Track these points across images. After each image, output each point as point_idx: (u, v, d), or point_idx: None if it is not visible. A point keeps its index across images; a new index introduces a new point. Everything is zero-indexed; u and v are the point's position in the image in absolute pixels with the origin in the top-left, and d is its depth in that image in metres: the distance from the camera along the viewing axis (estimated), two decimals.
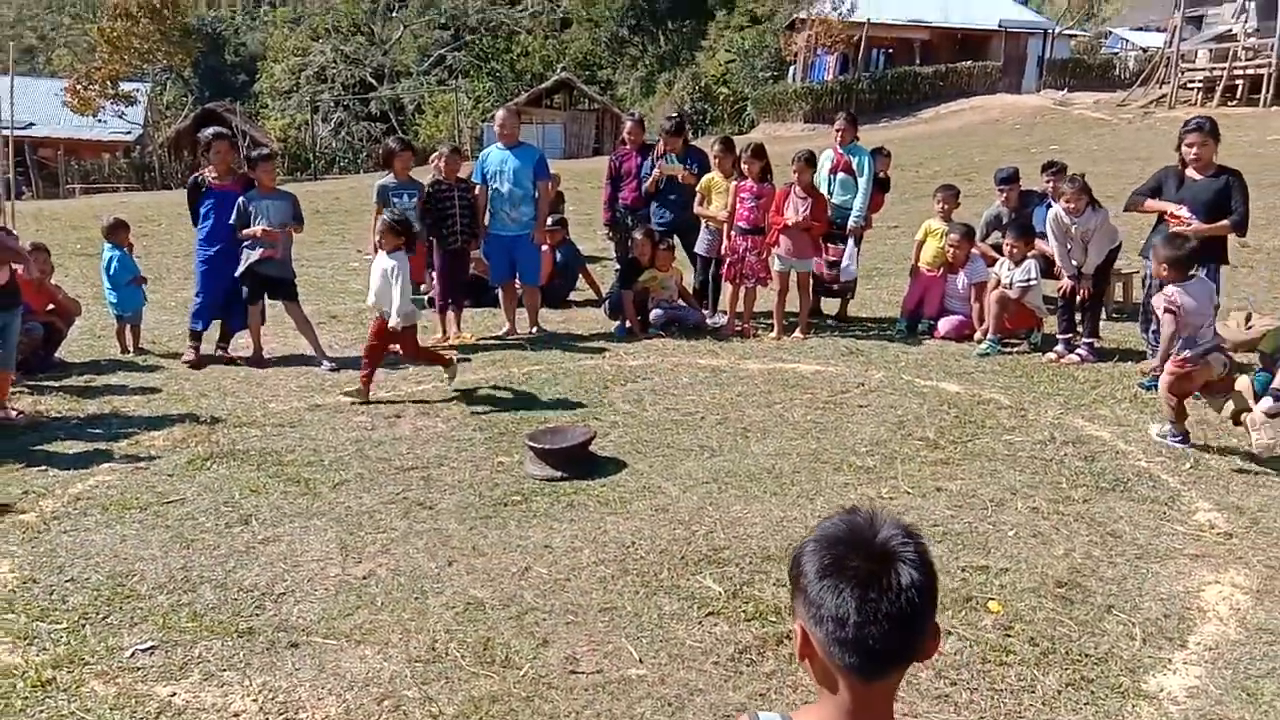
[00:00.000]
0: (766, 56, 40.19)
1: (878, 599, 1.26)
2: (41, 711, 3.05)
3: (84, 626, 3.55)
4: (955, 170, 18.69)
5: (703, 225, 8.25)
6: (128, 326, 7.72)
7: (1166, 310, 5.20)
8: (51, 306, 7.25)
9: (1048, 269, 7.86)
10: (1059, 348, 7.18)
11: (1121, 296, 8.70)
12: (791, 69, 38.29)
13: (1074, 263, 6.99)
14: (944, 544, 4.22)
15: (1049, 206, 7.67)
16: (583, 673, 3.28)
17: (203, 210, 7.16)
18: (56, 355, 7.24)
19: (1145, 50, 37.01)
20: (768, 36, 41.01)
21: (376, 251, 7.38)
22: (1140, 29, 42.21)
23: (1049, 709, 3.09)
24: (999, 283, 7.49)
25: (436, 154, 8.99)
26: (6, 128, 16.02)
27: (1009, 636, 3.49)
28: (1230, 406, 5.37)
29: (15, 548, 4.19)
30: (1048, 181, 8.54)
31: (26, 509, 4.61)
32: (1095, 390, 6.41)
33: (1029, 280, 7.32)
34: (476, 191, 7.84)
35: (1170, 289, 5.22)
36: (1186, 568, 3.99)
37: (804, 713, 1.39)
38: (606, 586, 3.85)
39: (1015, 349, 7.48)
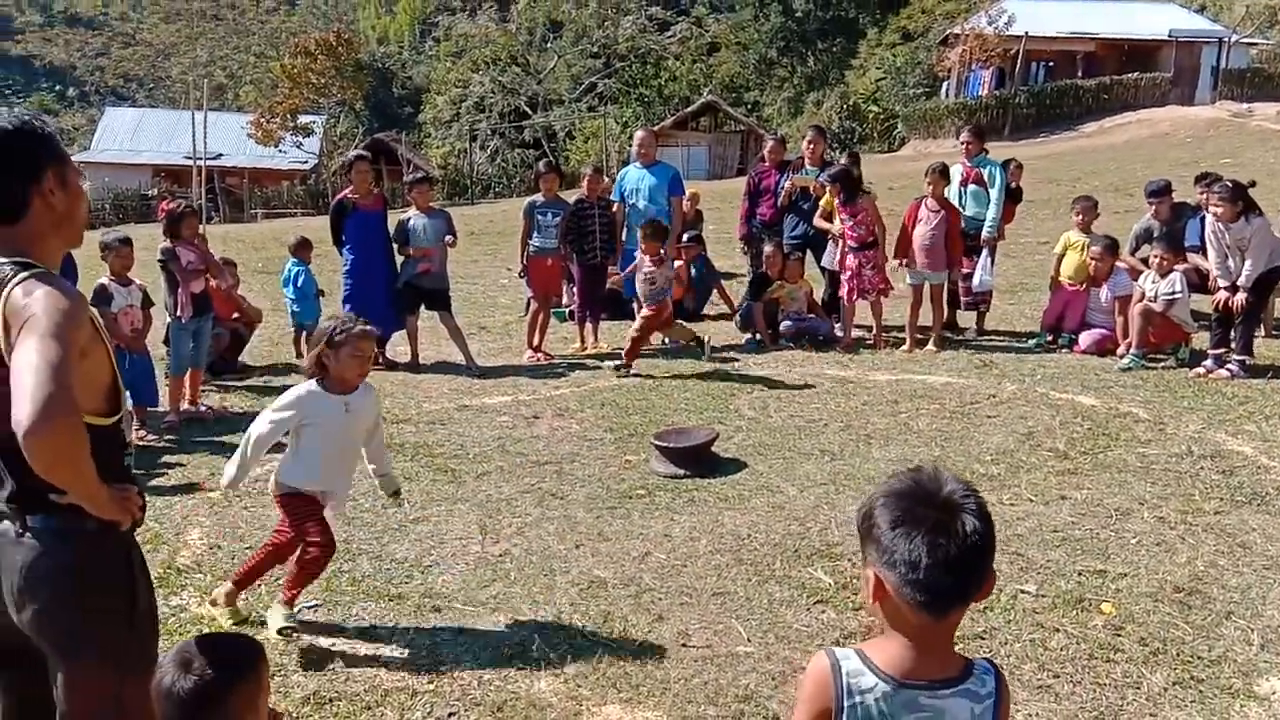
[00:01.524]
0: (919, 73, 39.52)
1: (946, 544, 1.45)
2: None
3: (260, 586, 4.04)
4: (1115, 185, 17.95)
5: (829, 239, 8.38)
6: (303, 334, 8.48)
7: None
8: (237, 315, 8.06)
9: (1201, 284, 7.60)
10: (1208, 363, 6.93)
11: None
12: (945, 85, 37.53)
13: (1230, 273, 6.76)
14: (1062, 549, 4.24)
15: (1203, 219, 7.43)
16: (693, 646, 3.52)
17: (346, 228, 7.73)
18: (240, 358, 8.03)
19: None
20: (920, 53, 40.35)
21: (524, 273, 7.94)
22: None
23: (1153, 705, 3.12)
24: (1143, 296, 7.29)
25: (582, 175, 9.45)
26: (200, 158, 17.67)
27: (1119, 636, 3.51)
28: None
29: (204, 519, 4.78)
30: (1201, 194, 8.23)
31: (214, 488, 5.21)
32: (1243, 406, 6.18)
33: (1174, 293, 7.10)
34: (615, 207, 8.23)
35: None
36: None
37: (876, 648, 1.58)
38: (720, 573, 4.08)
39: (1160, 364, 7.25)
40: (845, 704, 1.54)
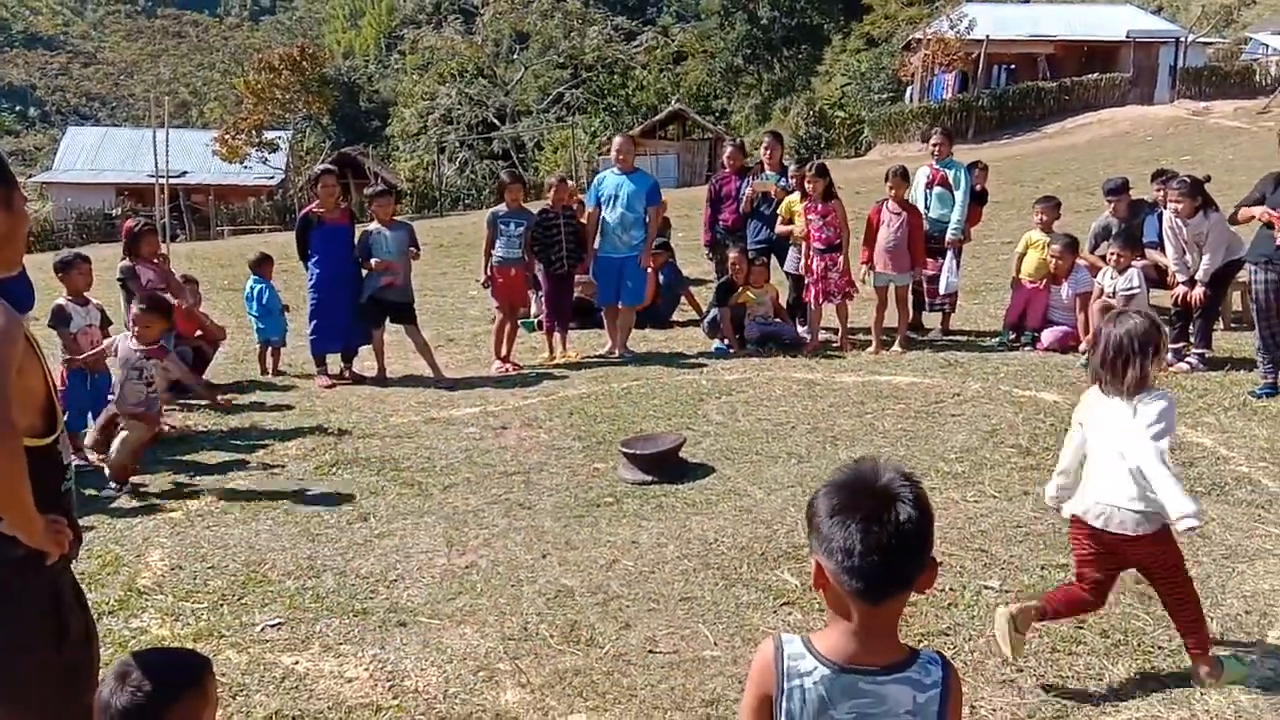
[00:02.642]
0: (883, 78, 39.92)
1: (879, 532, 1.48)
2: None
3: (222, 606, 3.99)
4: (1077, 185, 18.19)
5: (790, 243, 8.42)
6: (268, 350, 8.41)
7: None
8: (200, 333, 7.97)
9: (1160, 279, 7.71)
10: (1168, 356, 7.01)
11: (1241, 306, 8.40)
12: (909, 89, 37.90)
13: (1187, 265, 6.86)
14: (1024, 544, 4.27)
15: (1160, 216, 7.54)
16: (660, 652, 3.51)
17: (312, 242, 7.68)
18: (204, 376, 7.94)
19: None
20: (884, 58, 40.76)
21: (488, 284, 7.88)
22: None
23: (1115, 696, 3.15)
24: (1102, 292, 7.38)
25: (548, 185, 9.44)
26: (164, 176, 17.50)
27: (1081, 629, 3.54)
28: None
29: (165, 540, 4.71)
30: (1158, 190, 8.36)
31: (175, 508, 5.15)
32: (1202, 399, 6.27)
33: (1132, 288, 7.19)
34: (588, 213, 8.21)
35: None
36: (1275, 567, 3.95)
37: (821, 635, 1.62)
38: (688, 578, 4.08)
39: None
40: (785, 686, 1.57)
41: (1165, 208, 7.40)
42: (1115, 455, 3.07)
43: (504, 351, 8.14)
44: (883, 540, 1.48)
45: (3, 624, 1.95)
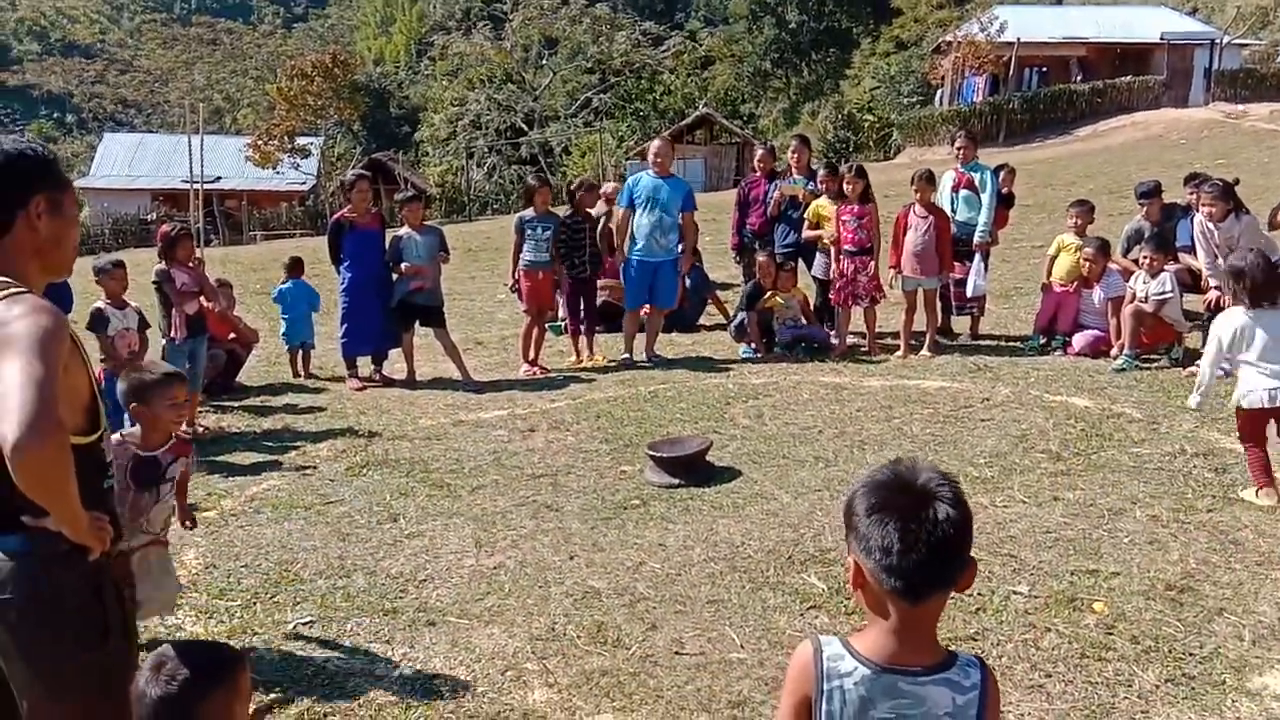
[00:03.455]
0: (913, 82, 39.70)
1: (917, 530, 1.49)
2: None
3: (255, 604, 4.06)
4: (1109, 188, 17.98)
5: (818, 248, 8.39)
6: (299, 353, 8.52)
7: None
8: (233, 336, 8.09)
9: (1193, 283, 7.63)
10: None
11: None
12: (939, 93, 37.67)
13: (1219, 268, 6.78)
14: (1054, 549, 4.25)
15: (1193, 219, 7.46)
16: (687, 654, 3.53)
17: (344, 246, 7.77)
18: (237, 379, 8.06)
19: None
20: (914, 62, 40.54)
21: (515, 285, 7.91)
22: None
23: (1145, 702, 3.13)
24: (1134, 297, 7.31)
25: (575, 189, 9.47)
26: (198, 182, 17.75)
27: (1110, 634, 3.52)
28: None
29: (200, 539, 4.78)
30: (1191, 194, 8.27)
31: (209, 508, 5.23)
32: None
33: (1164, 293, 7.13)
34: (619, 214, 8.20)
35: None
36: None
37: (859, 636, 1.62)
38: (715, 581, 4.09)
39: (1154, 364, 7.27)
40: (824, 688, 1.57)
41: (1198, 211, 7.33)
42: None
43: (531, 355, 8.19)
44: (921, 538, 1.48)
45: (46, 619, 1.98)
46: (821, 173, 8.46)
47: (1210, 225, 6.78)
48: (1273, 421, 4.72)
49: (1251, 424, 4.73)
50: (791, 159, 8.73)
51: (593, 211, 8.63)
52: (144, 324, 6.44)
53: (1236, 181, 7.05)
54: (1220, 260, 6.82)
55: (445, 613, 3.91)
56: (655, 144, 8.48)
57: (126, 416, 3.58)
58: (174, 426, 3.56)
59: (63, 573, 2.00)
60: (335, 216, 8.09)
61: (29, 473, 1.76)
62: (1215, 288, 6.84)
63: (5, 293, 1.94)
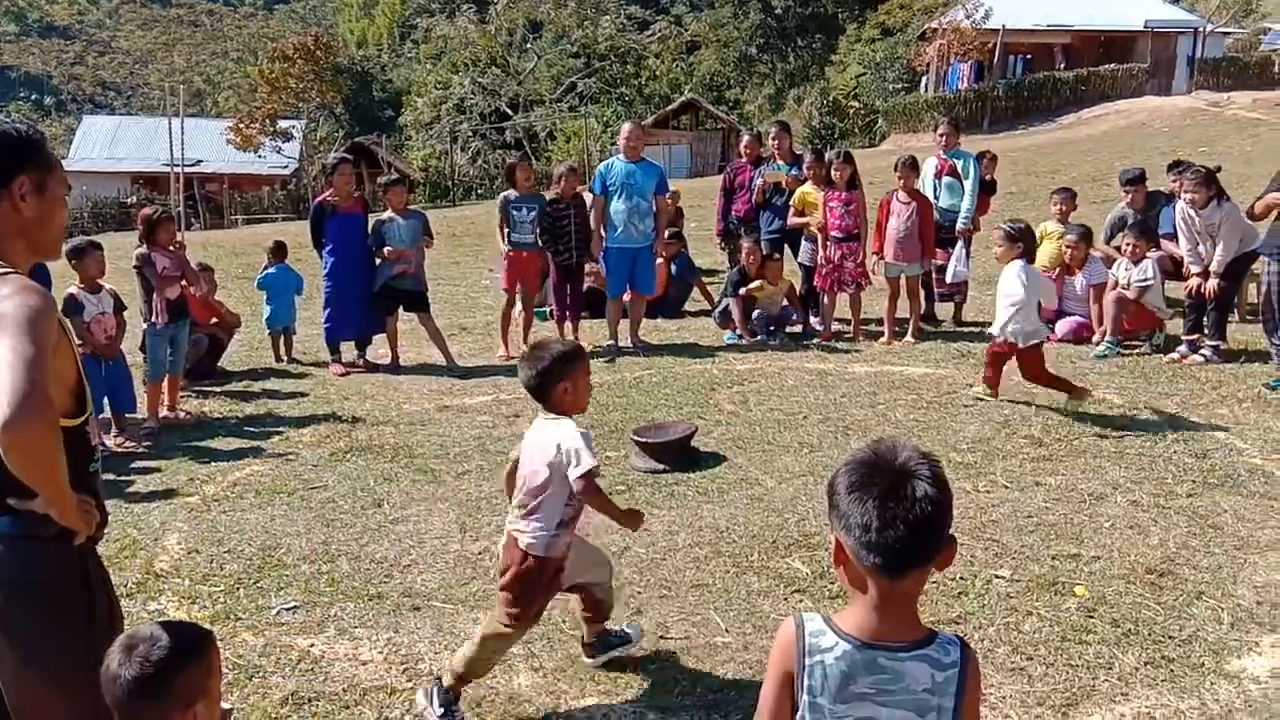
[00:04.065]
0: (898, 68, 39.69)
1: (895, 507, 1.51)
2: None
3: (238, 589, 4.04)
4: (1093, 175, 18.09)
5: (804, 235, 8.39)
6: (281, 338, 8.46)
7: None
8: (215, 320, 8.03)
9: (1176, 270, 7.68)
10: (1182, 348, 7.00)
11: (1256, 298, 8.35)
12: (924, 79, 37.70)
13: (1202, 259, 6.83)
14: (1035, 534, 4.28)
15: (1175, 207, 7.50)
16: (672, 638, 3.54)
17: (327, 230, 7.72)
18: (219, 364, 8.00)
19: None
20: (899, 48, 40.51)
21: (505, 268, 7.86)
22: None
23: (1124, 684, 3.16)
24: (1117, 284, 7.36)
25: (557, 174, 9.41)
26: (178, 165, 17.58)
27: (1091, 618, 3.55)
28: None
29: (182, 524, 4.76)
30: (1174, 181, 8.32)
31: (192, 493, 5.20)
32: (1216, 390, 6.25)
33: (1146, 280, 7.17)
34: (593, 201, 8.16)
35: None
36: None
37: (841, 614, 1.64)
38: (699, 566, 4.10)
39: (1135, 351, 7.32)
40: (806, 663, 1.59)
41: (1180, 198, 7.37)
42: None
43: (508, 338, 8.20)
44: (900, 516, 1.50)
45: (34, 603, 1.98)
46: (808, 159, 8.44)
47: (1191, 212, 6.82)
48: None
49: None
50: (773, 145, 8.70)
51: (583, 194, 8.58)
52: (120, 306, 6.38)
53: (1219, 169, 7.10)
54: (1201, 247, 6.88)
55: (430, 597, 3.91)
56: (626, 128, 8.37)
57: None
58: None
59: (50, 556, 1.99)
60: (318, 200, 8.02)
61: (19, 451, 1.76)
62: (1196, 275, 6.89)
63: None
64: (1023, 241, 5.92)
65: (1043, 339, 6.01)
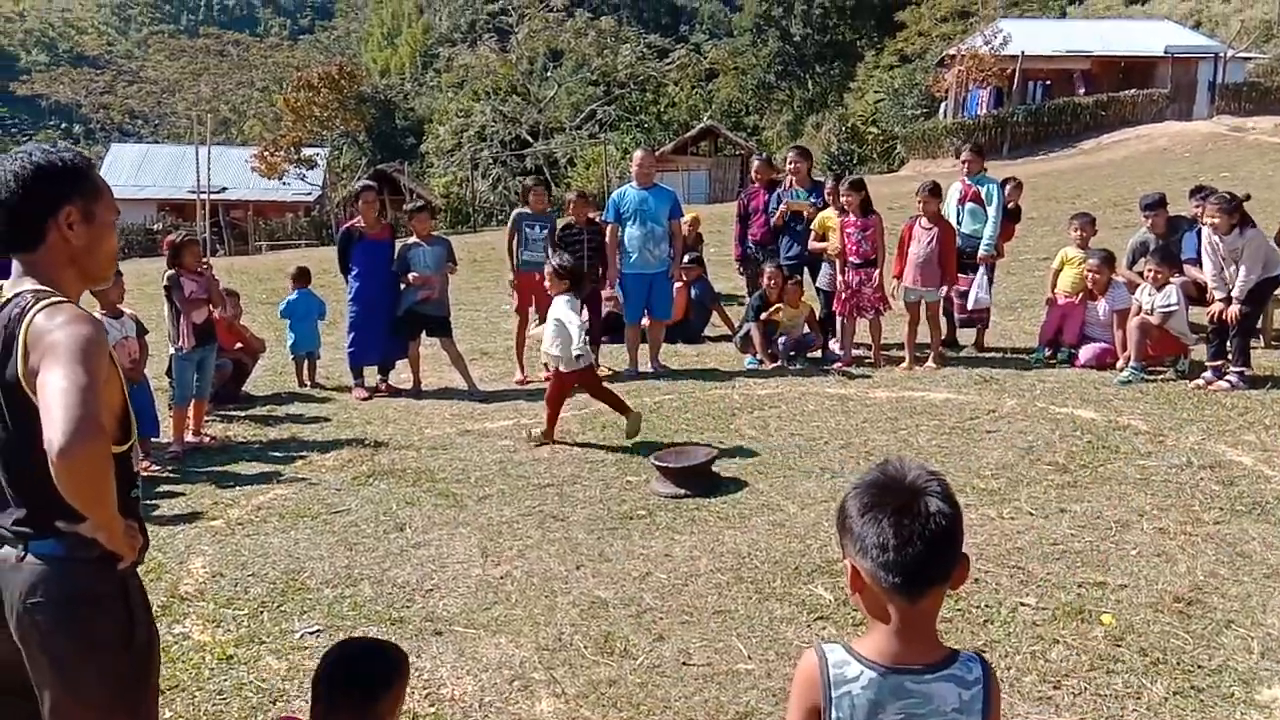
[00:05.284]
0: (917, 94, 39.80)
1: (910, 524, 1.51)
2: (226, 680, 3.54)
3: (262, 613, 4.06)
4: (1114, 201, 18.02)
5: (823, 259, 8.40)
6: (304, 362, 8.53)
7: None
8: (240, 345, 8.11)
9: (1199, 295, 7.63)
10: (1207, 374, 6.94)
11: None
12: (943, 106, 37.76)
13: (1226, 284, 6.79)
14: (1061, 561, 4.24)
15: (1199, 232, 7.46)
16: (694, 665, 3.52)
17: (354, 256, 7.78)
18: (243, 389, 8.08)
19: None
20: (918, 75, 40.64)
21: (515, 293, 7.94)
22: None
23: (1153, 715, 3.12)
24: (1140, 309, 7.31)
25: (566, 200, 9.46)
26: (204, 192, 17.81)
27: (1119, 646, 3.51)
28: None
29: (207, 548, 4.80)
30: (1196, 206, 8.29)
31: (216, 516, 5.24)
32: (1243, 417, 6.18)
33: (1170, 305, 7.12)
34: (608, 229, 8.21)
35: None
36: None
37: (862, 641, 1.63)
38: (721, 592, 4.09)
39: (1159, 377, 7.26)
40: (832, 695, 1.58)
41: (1203, 223, 7.34)
42: None
43: (524, 360, 8.30)
44: (916, 532, 1.50)
45: (76, 624, 2.01)
46: (829, 184, 8.46)
47: (1215, 238, 6.78)
48: None
49: None
50: (791, 171, 8.70)
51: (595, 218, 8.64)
52: (142, 330, 6.46)
53: (1247, 197, 7.06)
54: (1226, 272, 6.84)
55: (452, 622, 3.91)
56: (638, 155, 8.45)
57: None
58: None
59: (93, 578, 2.03)
60: (345, 226, 8.12)
61: (74, 477, 1.79)
62: (1219, 300, 6.84)
63: (45, 302, 1.96)
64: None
65: None
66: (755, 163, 9.28)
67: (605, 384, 6.67)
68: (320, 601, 4.13)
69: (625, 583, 4.19)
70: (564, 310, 6.15)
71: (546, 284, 6.42)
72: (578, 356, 6.19)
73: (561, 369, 6.28)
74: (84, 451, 1.76)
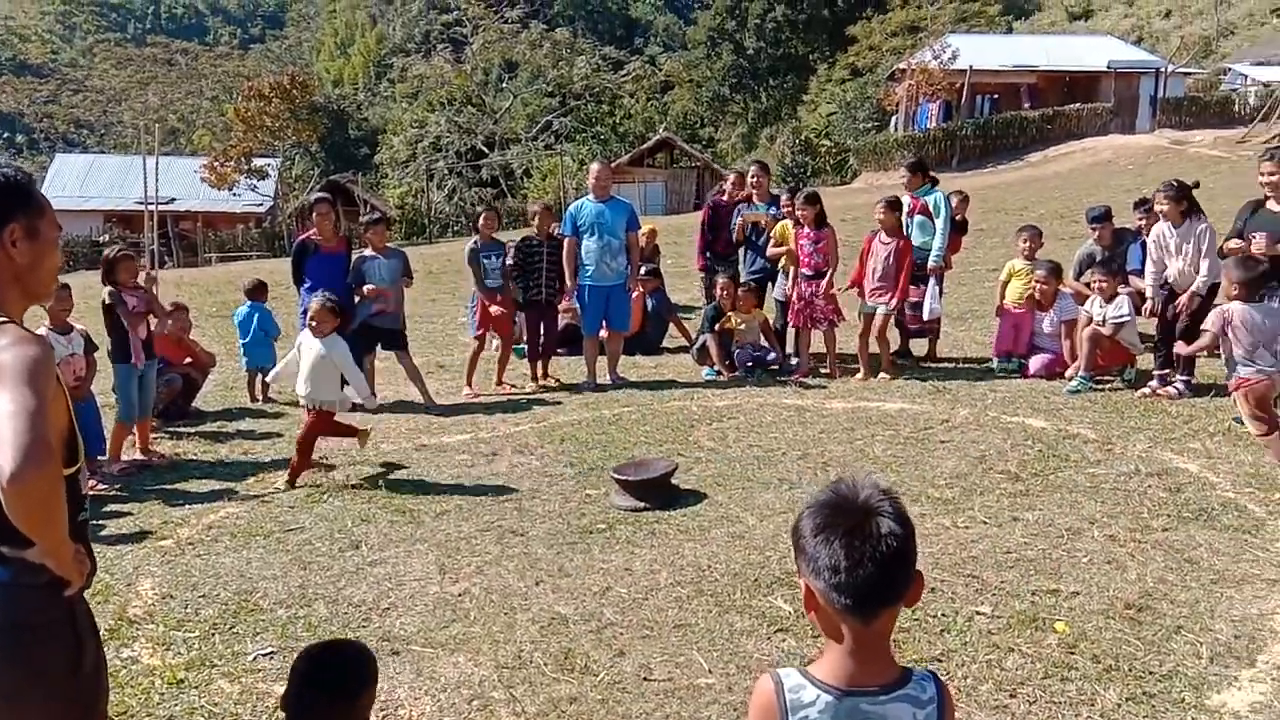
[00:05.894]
0: (868, 108, 40.37)
1: (861, 545, 1.50)
2: (176, 705, 3.45)
3: (213, 635, 3.97)
4: (1060, 213, 18.42)
5: (780, 271, 8.47)
6: (257, 378, 8.40)
7: (1223, 327, 5.37)
8: (189, 360, 7.96)
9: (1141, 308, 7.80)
10: (1153, 383, 7.09)
11: None
12: (894, 119, 38.34)
13: (1168, 279, 6.91)
14: (1015, 569, 4.29)
15: (1143, 244, 7.63)
16: (655, 680, 3.51)
17: (308, 268, 7.70)
18: (193, 404, 7.92)
19: (1267, 85, 35.66)
20: (869, 88, 41.23)
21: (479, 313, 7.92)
22: (1261, 64, 40.67)
23: None
24: (1090, 320, 7.46)
25: (531, 212, 9.44)
26: (152, 203, 17.49)
27: (1072, 654, 3.56)
28: None
29: (156, 568, 4.69)
30: (1140, 219, 8.51)
31: (166, 536, 5.13)
32: (1188, 425, 6.33)
33: (1122, 316, 7.28)
34: (566, 242, 8.20)
35: (1230, 306, 5.34)
36: (1263, 592, 3.97)
37: (818, 664, 1.63)
38: (681, 605, 4.08)
39: (1108, 385, 7.41)
40: None
41: (1147, 235, 7.49)
42: None
43: (496, 376, 8.32)
44: (867, 554, 1.49)
45: (22, 650, 1.96)
46: (784, 197, 8.56)
47: (1166, 227, 6.89)
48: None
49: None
50: (752, 184, 8.81)
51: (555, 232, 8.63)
52: (91, 347, 6.31)
53: (1196, 185, 7.16)
54: (1171, 267, 6.92)
55: (409, 641, 3.86)
56: (594, 168, 8.45)
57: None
58: None
59: (41, 604, 1.98)
60: (301, 238, 8.02)
61: (25, 503, 1.75)
62: (1159, 290, 6.94)
63: None
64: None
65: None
66: (732, 177, 9.34)
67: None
68: (274, 622, 4.06)
69: (585, 598, 4.17)
70: (339, 353, 6.08)
71: (316, 322, 6.13)
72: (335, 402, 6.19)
73: (325, 409, 6.09)
74: (35, 476, 1.72)
